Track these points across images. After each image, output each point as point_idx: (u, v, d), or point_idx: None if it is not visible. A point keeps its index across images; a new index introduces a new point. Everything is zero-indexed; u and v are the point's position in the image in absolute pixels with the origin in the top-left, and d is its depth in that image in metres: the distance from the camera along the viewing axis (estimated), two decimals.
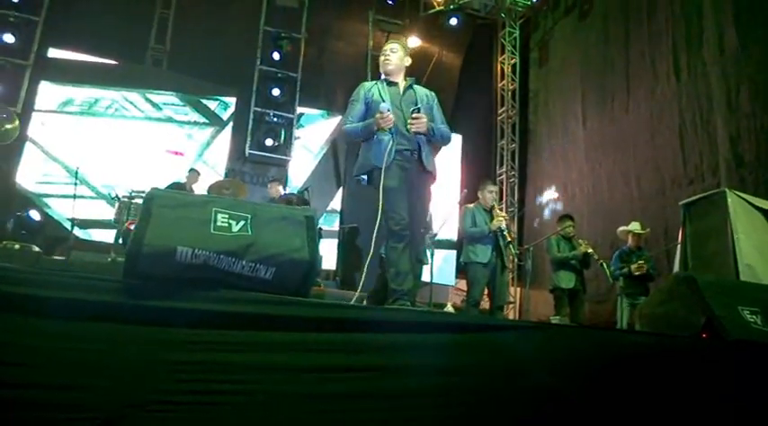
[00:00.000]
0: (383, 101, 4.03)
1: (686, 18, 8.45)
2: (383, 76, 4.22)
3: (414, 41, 11.80)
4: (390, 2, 11.97)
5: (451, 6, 12.01)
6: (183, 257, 2.22)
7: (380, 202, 3.82)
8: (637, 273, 6.89)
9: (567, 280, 6.93)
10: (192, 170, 8.67)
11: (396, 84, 4.21)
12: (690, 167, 8.02)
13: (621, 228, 7.49)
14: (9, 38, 9.02)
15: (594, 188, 10.12)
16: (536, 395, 2.41)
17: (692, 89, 8.19)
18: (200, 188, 8.36)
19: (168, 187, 7.59)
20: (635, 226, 7.33)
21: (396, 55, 4.21)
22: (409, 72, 4.34)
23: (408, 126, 3.99)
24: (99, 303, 2.06)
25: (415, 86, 4.26)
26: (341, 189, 11.31)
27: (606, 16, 10.41)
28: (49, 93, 9.45)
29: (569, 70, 11.36)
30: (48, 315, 1.96)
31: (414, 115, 4.00)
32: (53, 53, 9.52)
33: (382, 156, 3.91)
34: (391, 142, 3.92)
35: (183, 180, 8.44)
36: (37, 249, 6.39)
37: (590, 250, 6.91)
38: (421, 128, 4.00)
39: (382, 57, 4.23)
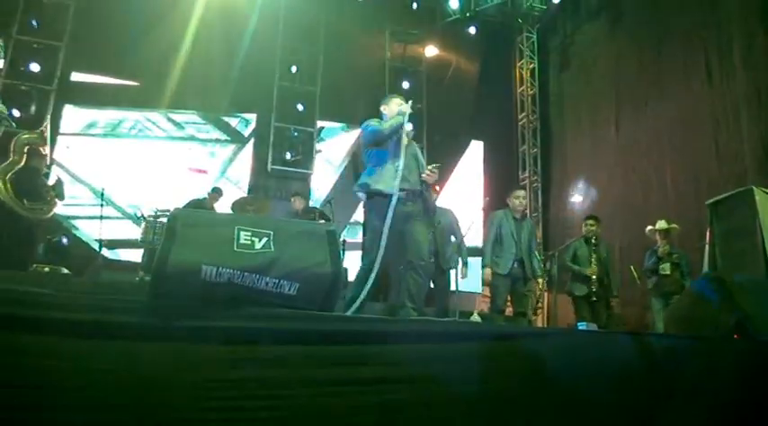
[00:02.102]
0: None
1: (716, 22, 8.41)
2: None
3: (431, 50, 11.82)
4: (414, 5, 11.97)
5: (468, 14, 12.01)
6: (207, 275, 2.24)
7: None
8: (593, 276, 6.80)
9: (579, 288, 6.86)
10: (214, 189, 8.70)
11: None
12: (725, 169, 7.94)
13: (649, 228, 7.39)
14: (35, 67, 9.24)
15: (625, 191, 10.01)
16: (564, 403, 2.39)
17: (724, 91, 8.13)
18: (223, 206, 8.42)
19: (187, 205, 7.65)
20: (661, 224, 7.22)
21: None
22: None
23: (426, 176, 4.52)
24: (126, 324, 2.08)
25: (412, 141, 4.73)
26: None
27: (639, 21, 10.35)
28: (73, 116, 9.64)
29: (597, 74, 11.28)
30: (75, 337, 1.99)
31: (433, 169, 4.52)
32: (76, 77, 9.71)
33: (388, 184, 4.31)
34: (400, 179, 4.32)
35: (204, 197, 8.47)
36: (65, 271, 6.48)
37: (594, 276, 6.80)
38: (431, 180, 4.58)
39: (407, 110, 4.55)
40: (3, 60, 9.15)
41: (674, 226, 7.26)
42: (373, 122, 4.59)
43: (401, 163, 4.36)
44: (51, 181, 7.56)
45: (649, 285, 7.34)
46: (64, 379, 1.90)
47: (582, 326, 5.59)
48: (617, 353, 2.66)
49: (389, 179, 4.33)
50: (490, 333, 2.68)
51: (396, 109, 4.60)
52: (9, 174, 6.99)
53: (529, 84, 12.69)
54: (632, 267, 6.86)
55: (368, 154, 4.60)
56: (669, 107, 9.26)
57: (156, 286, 2.26)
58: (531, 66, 12.79)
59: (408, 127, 4.48)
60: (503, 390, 2.37)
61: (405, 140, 4.50)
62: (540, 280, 7.10)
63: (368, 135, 4.58)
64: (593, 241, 7.04)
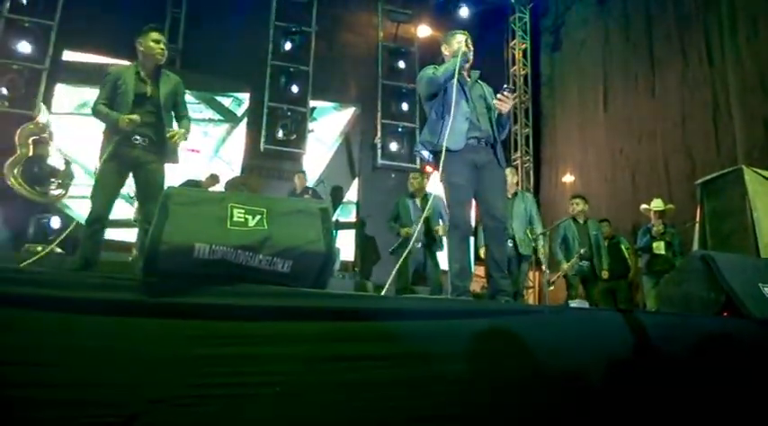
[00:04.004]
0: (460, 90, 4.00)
1: (716, 3, 8.33)
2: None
3: (424, 30, 11.75)
4: None
5: None
6: (200, 253, 2.25)
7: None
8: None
9: (569, 268, 6.91)
10: (212, 175, 8.64)
11: (465, 76, 4.16)
12: (723, 151, 7.92)
13: (644, 206, 7.43)
14: (25, 46, 9.11)
15: (615, 171, 10.04)
16: (554, 379, 2.42)
17: (725, 72, 8.06)
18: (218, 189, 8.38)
19: (183, 185, 7.62)
20: (657, 203, 7.27)
21: (472, 51, 4.17)
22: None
23: (496, 101, 3.97)
24: (120, 301, 2.10)
25: (480, 81, 4.25)
26: (356, 179, 11.33)
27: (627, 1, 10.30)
28: (65, 95, 9.54)
29: (588, 54, 11.25)
30: (69, 315, 2.00)
31: (505, 93, 3.95)
32: (68, 56, 9.59)
33: (453, 138, 3.86)
34: (467, 124, 3.92)
35: (201, 179, 8.43)
36: (59, 250, 6.46)
37: (583, 252, 6.84)
38: (505, 107, 3.96)
39: (467, 49, 4.11)
40: None
41: (670, 206, 7.31)
42: (429, 70, 4.12)
43: (468, 108, 3.98)
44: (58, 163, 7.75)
45: (640, 263, 7.40)
46: (58, 356, 1.91)
47: (573, 304, 5.65)
48: (607, 330, 2.70)
49: (455, 131, 3.88)
50: (481, 311, 2.71)
51: (456, 47, 4.09)
52: (16, 168, 7.19)
53: (521, 65, 12.66)
54: (621, 244, 6.89)
55: (429, 106, 4.14)
56: (663, 87, 9.23)
57: (149, 264, 2.27)
58: (524, 46, 12.74)
59: (468, 64, 4.03)
60: (493, 368, 2.40)
61: (468, 82, 4.12)
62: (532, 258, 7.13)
63: (423, 86, 4.13)
64: (580, 220, 7.08)
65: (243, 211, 2.42)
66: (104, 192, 4.22)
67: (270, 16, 10.83)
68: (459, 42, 4.11)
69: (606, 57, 10.68)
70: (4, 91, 8.78)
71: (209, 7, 10.65)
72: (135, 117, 4.10)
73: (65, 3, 9.41)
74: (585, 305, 6.03)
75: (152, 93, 4.31)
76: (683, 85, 8.83)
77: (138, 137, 4.21)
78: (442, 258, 6.77)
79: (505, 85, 4.01)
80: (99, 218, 4.17)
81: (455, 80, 3.93)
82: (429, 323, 2.45)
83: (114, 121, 4.09)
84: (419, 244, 6.55)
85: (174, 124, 4.51)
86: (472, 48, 4.10)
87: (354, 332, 2.28)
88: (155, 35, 4.40)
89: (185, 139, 4.41)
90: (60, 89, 9.51)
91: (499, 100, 3.95)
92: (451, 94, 3.94)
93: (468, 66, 4.10)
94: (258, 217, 2.43)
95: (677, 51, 9.00)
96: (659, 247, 7.01)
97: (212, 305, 2.18)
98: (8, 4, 9.08)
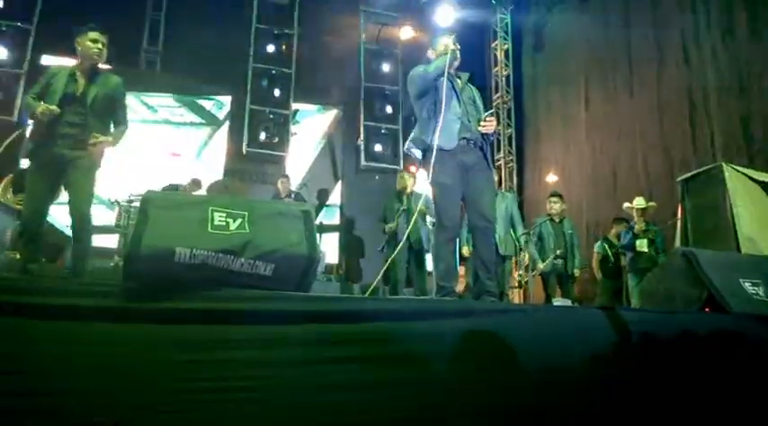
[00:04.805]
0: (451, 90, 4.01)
1: (693, 1, 8.40)
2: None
3: (407, 32, 11.76)
4: None
5: None
6: (182, 258, 2.24)
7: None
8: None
9: (544, 265, 6.92)
10: (194, 180, 8.55)
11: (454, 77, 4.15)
12: (700, 148, 7.97)
13: (626, 204, 7.48)
14: (1, 51, 9.05)
15: (595, 170, 10.10)
16: (539, 377, 2.42)
17: (702, 72, 8.13)
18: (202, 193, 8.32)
19: (164, 189, 7.56)
20: (639, 201, 7.31)
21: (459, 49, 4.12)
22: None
23: (481, 127, 3.99)
24: (102, 308, 2.08)
25: (469, 83, 4.23)
26: (339, 182, 11.31)
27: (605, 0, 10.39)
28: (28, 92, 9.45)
29: (569, 54, 11.30)
30: (53, 323, 1.98)
31: (488, 118, 4.01)
32: (46, 60, 9.48)
33: (446, 137, 3.87)
34: (459, 125, 3.92)
35: (183, 184, 8.35)
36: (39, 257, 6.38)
37: (559, 251, 6.87)
38: (490, 130, 4.02)
39: (455, 47, 4.07)
40: None
41: (651, 204, 7.36)
42: (420, 68, 4.10)
43: (460, 109, 3.98)
44: None
45: (624, 262, 7.45)
46: (40, 365, 1.89)
47: (556, 303, 5.67)
48: (591, 328, 2.71)
49: (446, 130, 3.87)
50: (465, 311, 2.70)
51: (443, 48, 4.07)
52: (4, 183, 7.09)
53: (503, 65, 12.71)
54: (605, 245, 6.93)
55: (420, 106, 4.11)
56: (641, 87, 9.29)
57: (130, 269, 2.25)
58: (506, 47, 12.79)
59: (456, 63, 4.01)
60: (478, 368, 2.40)
61: (459, 83, 4.10)
62: (513, 258, 7.14)
63: (414, 83, 4.11)
64: (556, 219, 7.13)
65: (224, 215, 2.41)
66: (32, 200, 4.09)
67: (251, 18, 10.78)
68: (446, 43, 4.09)
69: (587, 57, 10.74)
70: None
71: (190, 10, 10.59)
72: (53, 107, 3.94)
73: (42, 7, 9.33)
74: (568, 303, 6.05)
75: (82, 93, 4.15)
76: (660, 84, 8.90)
77: (62, 137, 4.03)
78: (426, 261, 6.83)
79: (486, 112, 4.09)
80: (27, 228, 4.04)
81: (445, 78, 3.94)
82: (414, 324, 2.45)
83: (33, 109, 3.95)
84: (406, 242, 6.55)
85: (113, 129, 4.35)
86: (459, 47, 4.07)
87: (338, 335, 2.27)
88: (92, 35, 4.31)
89: (112, 145, 4.21)
90: None
91: (483, 125, 3.99)
92: (442, 93, 3.93)
93: (456, 64, 4.07)
94: (239, 220, 2.42)
95: (654, 51, 9.07)
96: (642, 245, 7.06)
97: (194, 309, 2.16)
98: None
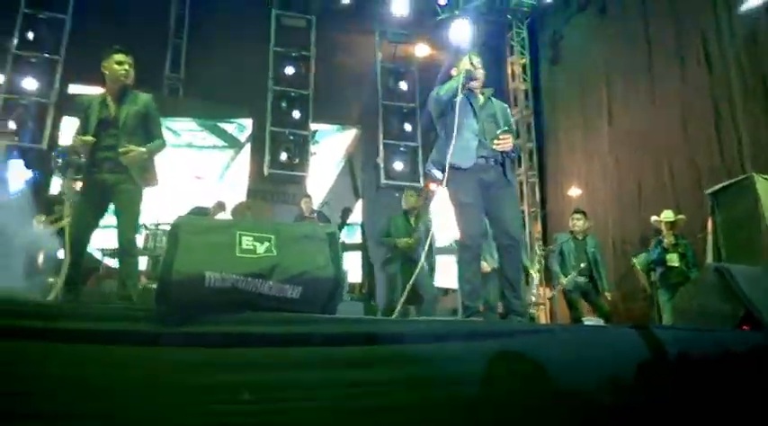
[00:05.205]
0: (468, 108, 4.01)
1: (713, 8, 8.30)
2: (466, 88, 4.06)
3: (422, 50, 11.81)
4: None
5: (456, 12, 11.99)
6: (211, 282, 2.24)
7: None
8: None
9: (567, 283, 6.79)
10: (219, 203, 8.60)
11: (476, 94, 4.14)
12: (727, 157, 7.79)
13: (654, 218, 7.32)
14: (30, 82, 9.30)
15: (620, 182, 9.94)
16: (570, 400, 2.37)
17: (725, 77, 7.98)
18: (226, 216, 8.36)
19: (190, 212, 7.63)
20: (667, 215, 7.13)
21: (481, 69, 4.14)
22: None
23: (495, 145, 3.92)
24: (134, 332, 2.09)
25: (493, 99, 4.20)
26: (360, 200, 11.32)
27: (626, 9, 10.27)
28: (72, 127, 9.61)
29: (589, 66, 11.20)
30: (84, 346, 1.99)
31: (501, 136, 3.93)
32: (74, 89, 9.68)
33: (462, 156, 3.86)
34: (476, 142, 3.91)
35: (208, 206, 8.40)
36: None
37: (581, 267, 6.77)
38: (506, 147, 3.94)
39: (471, 67, 4.08)
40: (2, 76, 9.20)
41: (681, 217, 7.17)
42: (434, 92, 4.14)
43: (476, 127, 3.96)
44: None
45: (654, 277, 7.27)
46: (74, 388, 1.89)
47: (588, 322, 5.54)
48: (622, 347, 2.65)
49: (463, 149, 3.88)
50: (493, 332, 2.66)
51: (462, 66, 4.07)
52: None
53: (521, 80, 12.69)
54: (635, 261, 6.76)
55: (440, 126, 4.14)
56: (664, 96, 9.16)
57: (162, 294, 2.27)
58: (523, 61, 12.78)
59: (475, 82, 4.01)
60: (506, 390, 2.35)
61: (480, 100, 4.09)
62: (535, 274, 7.03)
63: (431, 106, 4.15)
64: (579, 237, 7.00)
65: (251, 238, 2.41)
66: (77, 226, 4.17)
67: (269, 42, 10.91)
68: (464, 62, 4.09)
69: (607, 67, 10.65)
70: (13, 125, 8.84)
71: (210, 35, 10.75)
72: (87, 138, 4.04)
73: (70, 37, 9.58)
74: (601, 322, 5.91)
75: (114, 116, 4.22)
76: (683, 92, 8.77)
77: (102, 162, 4.12)
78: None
79: (499, 131, 4.00)
80: (74, 249, 4.10)
81: (458, 99, 3.91)
82: (440, 346, 2.42)
83: (74, 145, 4.12)
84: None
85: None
86: (479, 66, 4.06)
87: (366, 357, 2.26)
88: (118, 57, 4.34)
89: (145, 156, 4.24)
90: (67, 122, 9.58)
91: (497, 144, 3.92)
92: (456, 113, 3.90)
93: (477, 84, 4.06)
94: (266, 243, 2.42)
95: (675, 58, 8.96)
96: (672, 259, 6.87)
97: (223, 333, 2.17)
98: (15, 41, 9.22)
